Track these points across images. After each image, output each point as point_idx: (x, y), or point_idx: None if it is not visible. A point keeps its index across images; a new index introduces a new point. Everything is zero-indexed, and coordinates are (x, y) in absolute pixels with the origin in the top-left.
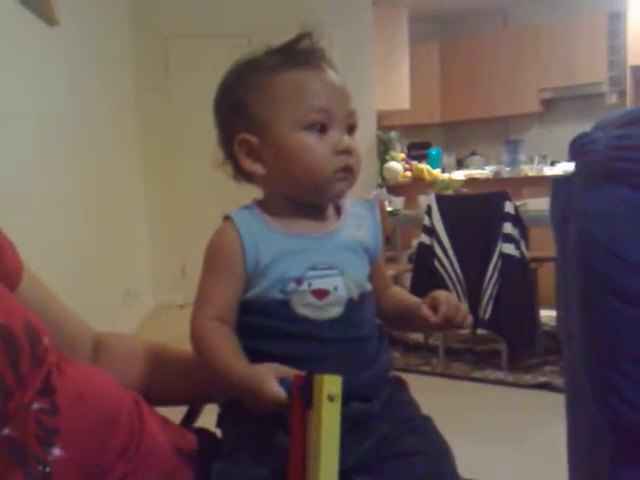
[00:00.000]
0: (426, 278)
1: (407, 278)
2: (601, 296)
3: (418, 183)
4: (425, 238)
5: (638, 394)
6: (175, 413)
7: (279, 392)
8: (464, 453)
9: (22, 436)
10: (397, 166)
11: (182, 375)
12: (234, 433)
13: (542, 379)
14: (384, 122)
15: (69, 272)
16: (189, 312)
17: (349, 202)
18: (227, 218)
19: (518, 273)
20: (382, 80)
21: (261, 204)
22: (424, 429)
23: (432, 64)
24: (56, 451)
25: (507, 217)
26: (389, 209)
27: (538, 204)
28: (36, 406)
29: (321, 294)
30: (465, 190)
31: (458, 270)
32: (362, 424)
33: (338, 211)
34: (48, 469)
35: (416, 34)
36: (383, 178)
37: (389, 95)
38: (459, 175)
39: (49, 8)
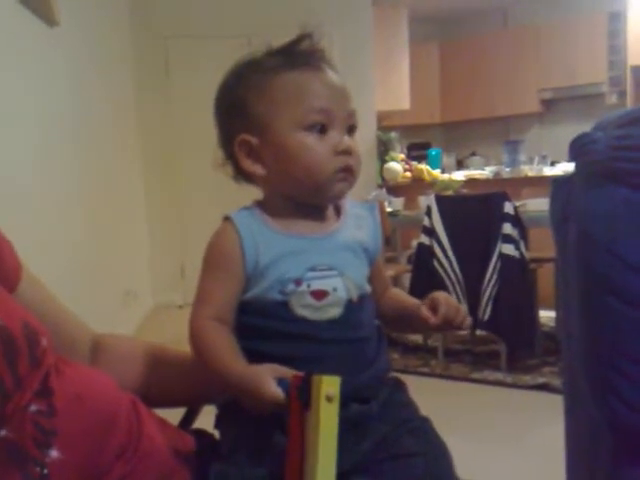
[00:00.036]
0: (425, 279)
1: (406, 279)
2: (601, 296)
3: (418, 184)
4: (425, 239)
5: (637, 394)
6: (173, 414)
7: (277, 392)
8: (463, 454)
9: (19, 438)
10: (397, 167)
11: (181, 376)
12: (232, 434)
13: (541, 380)
14: (384, 122)
15: (69, 272)
16: (188, 312)
17: (349, 203)
18: (227, 219)
19: (518, 274)
20: (382, 80)
21: (261, 205)
22: (423, 430)
23: (432, 64)
24: (54, 453)
25: (507, 217)
26: (389, 210)
27: (538, 204)
28: (34, 408)
29: (320, 295)
30: (465, 191)
31: (457, 271)
32: (360, 425)
33: (338, 212)
34: (46, 471)
35: (416, 34)
36: (383, 179)
37: (389, 95)
38: (459, 175)
39: (49, 9)
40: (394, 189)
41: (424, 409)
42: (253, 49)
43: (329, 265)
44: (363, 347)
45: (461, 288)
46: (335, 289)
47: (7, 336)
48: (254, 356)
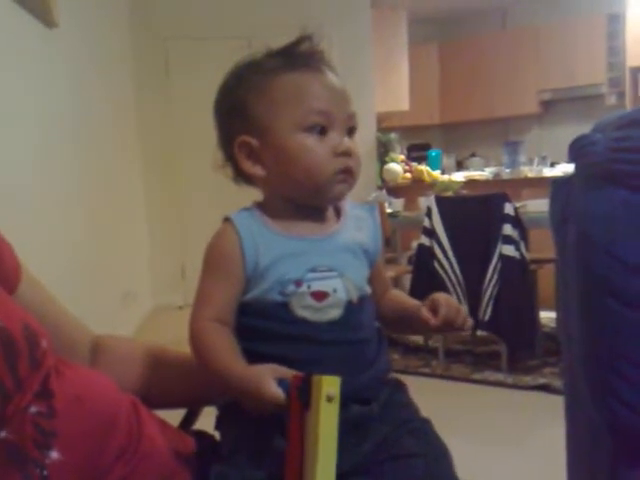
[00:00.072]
0: (426, 280)
1: (407, 280)
2: (600, 298)
3: (418, 185)
4: (425, 240)
5: (637, 396)
6: (173, 416)
7: (277, 393)
8: (463, 455)
9: (19, 439)
10: (397, 168)
11: (181, 377)
12: (232, 435)
13: (542, 381)
14: (384, 124)
15: (69, 272)
16: (188, 313)
17: (349, 204)
18: (227, 220)
19: (518, 275)
20: (382, 82)
21: (261, 206)
22: (423, 431)
23: (431, 65)
24: (54, 454)
25: (507, 218)
26: (389, 211)
27: (538, 205)
28: (33, 409)
29: (320, 296)
30: (465, 191)
31: (458, 272)
32: (361, 426)
33: (338, 213)
34: (46, 472)
35: (415, 35)
36: (383, 180)
37: (389, 97)
38: (459, 176)
39: (48, 10)
40: (394, 190)
41: (425, 410)
42: (253, 50)
43: (329, 266)
44: (363, 348)
45: (461, 289)
46: (335, 290)
47: (7, 338)
48: (254, 357)
